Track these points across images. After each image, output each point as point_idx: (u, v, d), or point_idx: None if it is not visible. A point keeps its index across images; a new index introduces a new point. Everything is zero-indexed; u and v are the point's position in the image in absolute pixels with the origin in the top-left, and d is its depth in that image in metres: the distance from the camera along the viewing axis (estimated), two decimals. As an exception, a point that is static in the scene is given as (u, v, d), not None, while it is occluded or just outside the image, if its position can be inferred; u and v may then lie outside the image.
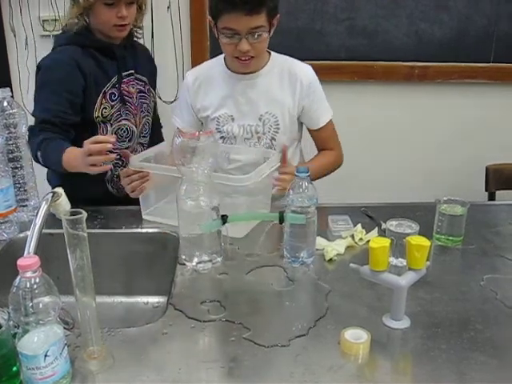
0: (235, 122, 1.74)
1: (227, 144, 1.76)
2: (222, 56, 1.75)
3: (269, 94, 1.72)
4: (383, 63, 2.60)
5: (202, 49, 2.52)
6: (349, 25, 2.55)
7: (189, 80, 1.78)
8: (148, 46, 2.54)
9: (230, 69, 1.72)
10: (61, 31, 1.77)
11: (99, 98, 1.70)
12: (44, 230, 1.32)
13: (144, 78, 1.84)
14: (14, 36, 2.46)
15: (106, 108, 1.71)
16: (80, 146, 1.59)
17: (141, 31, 1.85)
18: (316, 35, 2.52)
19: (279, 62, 1.74)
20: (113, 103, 1.73)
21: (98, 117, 1.70)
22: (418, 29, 2.57)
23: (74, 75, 1.65)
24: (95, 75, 1.69)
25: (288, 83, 1.73)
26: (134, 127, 1.80)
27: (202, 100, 1.76)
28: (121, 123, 1.76)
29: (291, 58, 1.76)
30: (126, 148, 1.79)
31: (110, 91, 1.72)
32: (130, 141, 1.80)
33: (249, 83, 1.72)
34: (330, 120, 1.81)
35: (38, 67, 1.68)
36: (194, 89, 1.77)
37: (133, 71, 1.79)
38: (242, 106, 1.73)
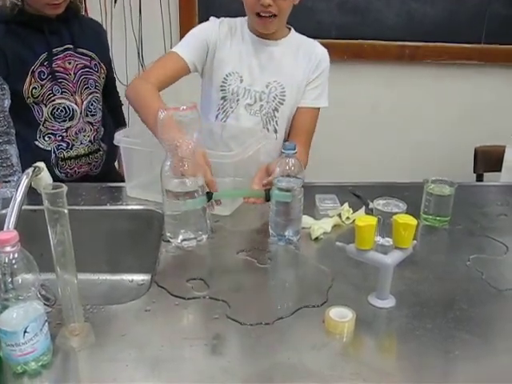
0: (242, 84, 1.71)
1: (227, 105, 1.72)
2: (246, 18, 1.70)
3: (281, 64, 1.70)
4: (374, 42, 2.59)
5: (190, 26, 2.49)
6: (340, 2, 2.52)
7: (222, 25, 1.70)
8: (135, 21, 2.52)
9: (251, 31, 1.69)
10: None
11: (28, 78, 1.63)
12: (27, 207, 1.30)
13: (89, 53, 1.76)
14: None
15: (35, 88, 1.64)
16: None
17: (81, 5, 1.80)
18: (307, 12, 2.49)
19: (298, 38, 1.74)
20: (43, 82, 1.65)
21: (28, 97, 1.64)
22: (410, 8, 2.55)
23: None
24: (19, 54, 1.61)
25: (302, 58, 1.71)
26: (73, 105, 1.72)
27: (222, 50, 1.69)
28: (55, 102, 1.69)
29: (311, 39, 1.75)
30: (69, 127, 1.73)
31: (38, 69, 1.64)
32: (71, 120, 1.73)
33: (266, 49, 1.69)
34: (318, 109, 1.77)
35: None
36: (222, 35, 1.69)
37: (71, 46, 1.71)
38: (253, 69, 1.70)
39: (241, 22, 1.72)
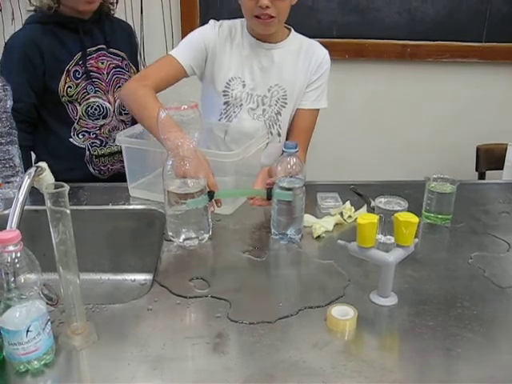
0: (245, 89, 1.71)
1: (230, 110, 1.73)
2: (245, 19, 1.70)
3: (282, 67, 1.70)
4: (375, 41, 2.59)
5: (192, 26, 2.49)
6: (341, 1, 2.52)
7: (221, 28, 1.69)
8: (137, 21, 2.52)
9: (251, 34, 1.69)
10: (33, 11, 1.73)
11: (63, 76, 1.66)
12: (29, 207, 1.31)
13: (121, 53, 1.80)
14: (0, 10, 2.42)
15: (70, 87, 1.68)
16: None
17: (114, 8, 1.80)
18: (307, 11, 2.49)
19: (298, 39, 1.73)
20: (77, 81, 1.69)
21: (63, 96, 1.68)
22: (411, 7, 2.55)
23: (31, 56, 1.62)
24: (55, 53, 1.65)
25: (303, 60, 1.71)
26: (107, 104, 1.76)
27: (223, 54, 1.69)
28: (90, 101, 1.72)
29: (311, 39, 1.75)
30: (102, 125, 1.76)
31: (73, 69, 1.68)
32: (104, 118, 1.76)
33: (266, 53, 1.69)
34: (318, 110, 1.77)
35: (4, 47, 1.66)
36: (222, 39, 1.69)
37: (103, 46, 1.74)
38: (255, 73, 1.70)
39: (241, 25, 1.71)
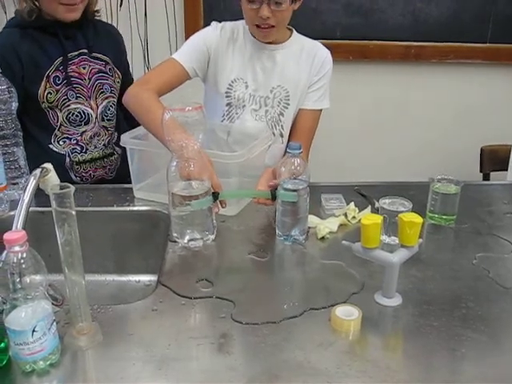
0: (247, 91, 1.72)
1: (232, 111, 1.73)
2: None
3: (284, 68, 1.70)
4: (379, 42, 2.59)
5: (196, 28, 2.50)
6: (345, 3, 2.52)
7: (223, 30, 1.70)
8: (141, 24, 2.53)
9: (253, 36, 1.70)
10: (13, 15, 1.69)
11: (43, 82, 1.63)
12: (35, 208, 1.31)
13: (104, 57, 1.76)
14: (5, 13, 2.43)
15: (50, 93, 1.64)
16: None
17: (98, 14, 1.77)
18: (311, 13, 2.50)
19: (300, 40, 1.74)
20: (58, 87, 1.65)
21: (43, 102, 1.65)
22: (415, 8, 2.55)
23: (9, 61, 1.58)
24: (35, 58, 1.62)
25: (305, 61, 1.72)
26: (89, 110, 1.72)
27: (225, 56, 1.70)
28: (70, 107, 1.69)
29: (313, 40, 1.75)
30: (84, 132, 1.73)
31: (53, 74, 1.64)
32: (86, 124, 1.73)
33: (268, 54, 1.70)
34: (320, 111, 1.78)
35: None
36: (224, 41, 1.69)
37: (85, 50, 1.71)
38: (257, 74, 1.71)
39: (243, 26, 1.71)
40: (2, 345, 0.89)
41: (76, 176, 1.77)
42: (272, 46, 1.69)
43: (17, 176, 1.56)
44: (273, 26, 1.58)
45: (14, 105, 1.51)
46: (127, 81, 1.87)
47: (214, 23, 1.72)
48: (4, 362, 0.89)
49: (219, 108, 1.74)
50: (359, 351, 0.95)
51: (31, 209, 1.16)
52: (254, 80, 1.71)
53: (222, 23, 1.72)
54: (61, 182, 1.65)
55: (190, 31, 2.48)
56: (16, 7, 1.66)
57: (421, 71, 2.68)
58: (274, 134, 1.74)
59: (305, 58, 1.72)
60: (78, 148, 1.74)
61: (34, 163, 1.52)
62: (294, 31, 1.74)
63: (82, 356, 0.93)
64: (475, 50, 2.62)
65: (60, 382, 0.88)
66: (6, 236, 0.83)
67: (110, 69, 1.78)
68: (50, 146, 1.72)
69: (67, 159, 1.74)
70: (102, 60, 1.75)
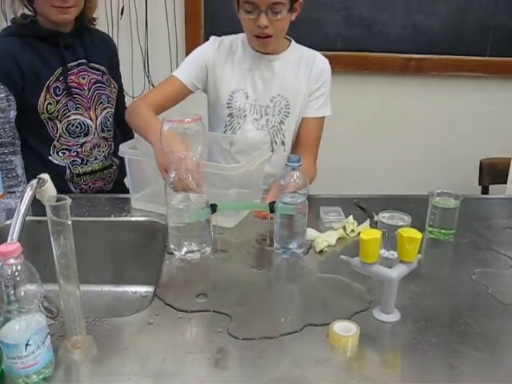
0: (248, 101, 1.73)
1: (234, 122, 1.74)
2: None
3: (283, 78, 1.72)
4: (379, 54, 2.59)
5: (196, 38, 2.51)
6: (346, 15, 2.53)
7: (222, 44, 1.72)
8: (142, 34, 2.53)
9: (252, 47, 1.71)
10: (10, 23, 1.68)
11: (42, 93, 1.61)
12: (31, 218, 1.30)
13: (101, 67, 1.75)
14: (6, 20, 2.43)
15: (50, 104, 1.63)
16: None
17: (95, 23, 1.76)
18: (313, 24, 2.50)
19: (299, 50, 1.75)
20: (58, 98, 1.64)
21: (43, 113, 1.63)
22: (415, 21, 2.56)
23: (9, 70, 1.56)
24: (36, 69, 1.60)
25: (304, 70, 1.73)
26: (88, 121, 1.71)
27: (224, 68, 1.72)
28: (70, 118, 1.67)
29: (311, 50, 1.76)
30: (84, 143, 1.71)
31: (54, 85, 1.63)
32: (86, 135, 1.71)
33: (268, 64, 1.71)
34: (323, 118, 1.78)
35: None
36: (222, 55, 1.72)
37: (84, 60, 1.70)
38: (257, 85, 1.72)
39: (242, 39, 1.73)
40: (-5, 358, 0.88)
41: (76, 188, 1.76)
42: (270, 56, 1.71)
43: (14, 184, 1.55)
44: (271, 36, 1.60)
45: (13, 113, 1.51)
46: (120, 91, 1.88)
47: (212, 38, 1.75)
48: (-3, 376, 0.88)
49: (221, 118, 1.76)
50: (357, 368, 0.94)
51: (27, 218, 1.15)
52: (254, 90, 1.72)
53: (222, 37, 1.74)
54: (59, 193, 1.65)
55: (190, 41, 2.50)
56: (13, 15, 1.64)
57: (421, 83, 2.68)
58: (275, 142, 1.75)
59: (303, 67, 1.73)
60: (79, 160, 1.73)
61: (32, 175, 1.51)
62: (293, 41, 1.75)
63: (76, 370, 0.92)
64: (475, 63, 2.63)
65: (53, 396, 0.87)
66: (1, 248, 0.83)
67: (106, 79, 1.77)
68: (50, 157, 1.70)
69: (67, 171, 1.72)
70: (99, 70, 1.75)
